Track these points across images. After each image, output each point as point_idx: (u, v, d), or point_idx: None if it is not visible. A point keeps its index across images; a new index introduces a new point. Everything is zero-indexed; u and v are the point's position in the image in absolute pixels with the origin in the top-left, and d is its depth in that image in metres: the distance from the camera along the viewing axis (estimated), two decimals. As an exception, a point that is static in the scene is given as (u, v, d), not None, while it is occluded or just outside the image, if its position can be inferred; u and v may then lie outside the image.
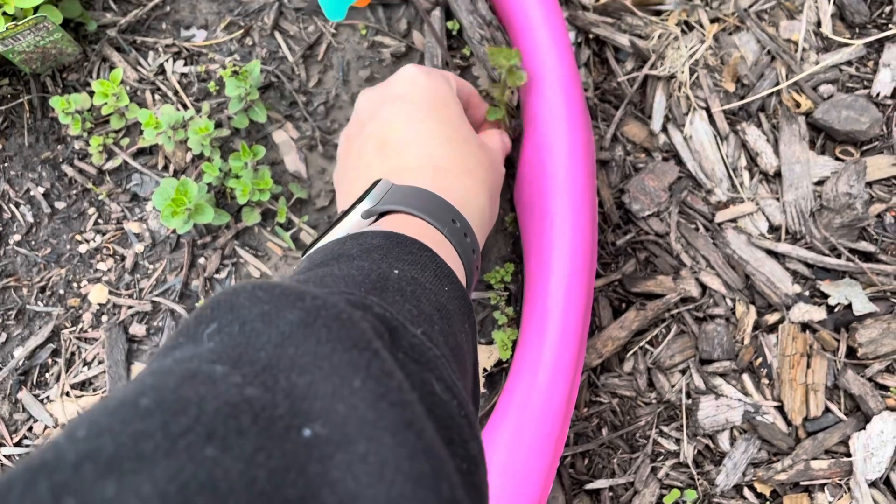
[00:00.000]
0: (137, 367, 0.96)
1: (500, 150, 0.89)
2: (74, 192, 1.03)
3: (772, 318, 1.10)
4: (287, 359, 0.36)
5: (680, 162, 1.15)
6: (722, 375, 1.09)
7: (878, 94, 1.15)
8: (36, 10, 0.96)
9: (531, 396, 0.85)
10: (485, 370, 0.93)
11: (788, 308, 1.09)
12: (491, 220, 0.80)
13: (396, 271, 0.52)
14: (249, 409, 0.32)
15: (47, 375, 0.97)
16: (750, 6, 1.19)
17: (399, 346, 0.42)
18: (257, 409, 0.32)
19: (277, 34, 1.08)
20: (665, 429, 1.07)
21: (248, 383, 0.34)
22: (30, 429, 0.95)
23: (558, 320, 0.87)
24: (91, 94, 1.03)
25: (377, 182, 0.70)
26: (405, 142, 0.75)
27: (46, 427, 0.94)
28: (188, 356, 0.36)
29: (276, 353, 0.36)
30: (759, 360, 1.09)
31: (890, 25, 1.17)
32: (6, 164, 1.04)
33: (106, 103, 1.00)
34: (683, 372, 1.09)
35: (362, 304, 0.43)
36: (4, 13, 0.93)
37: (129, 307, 0.98)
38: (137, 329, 0.98)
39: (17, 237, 1.02)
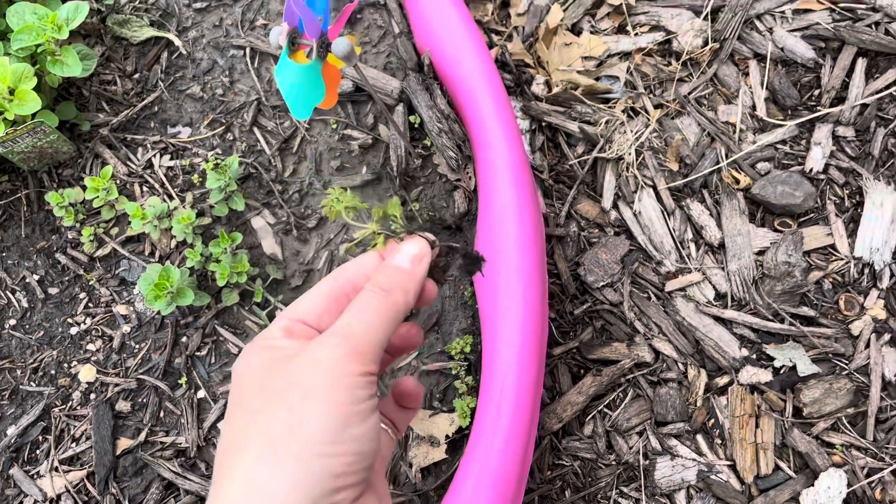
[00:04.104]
0: (123, 443, 1.02)
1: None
2: (67, 278, 1.12)
3: (722, 381, 1.17)
4: None
5: (631, 236, 1.24)
6: (676, 437, 1.15)
7: (811, 170, 1.25)
8: (34, 115, 1.06)
9: (488, 460, 0.91)
10: (447, 437, 1.00)
11: (737, 371, 1.16)
12: None
13: None
14: None
15: (38, 452, 1.03)
16: (689, 93, 1.30)
17: None
18: None
19: (256, 129, 1.18)
20: (625, 489, 1.12)
21: None
22: (20, 503, 1.00)
23: (511, 388, 0.94)
24: (84, 188, 1.13)
25: None
26: None
27: (36, 501, 1.00)
28: None
29: None
30: (712, 420, 1.15)
31: (819, 107, 1.27)
32: (4, 254, 1.13)
33: (97, 197, 1.09)
34: (640, 434, 1.15)
35: None
36: (5, 119, 1.03)
37: (116, 385, 1.05)
38: (123, 405, 1.04)
39: (13, 321, 1.10)
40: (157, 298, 0.99)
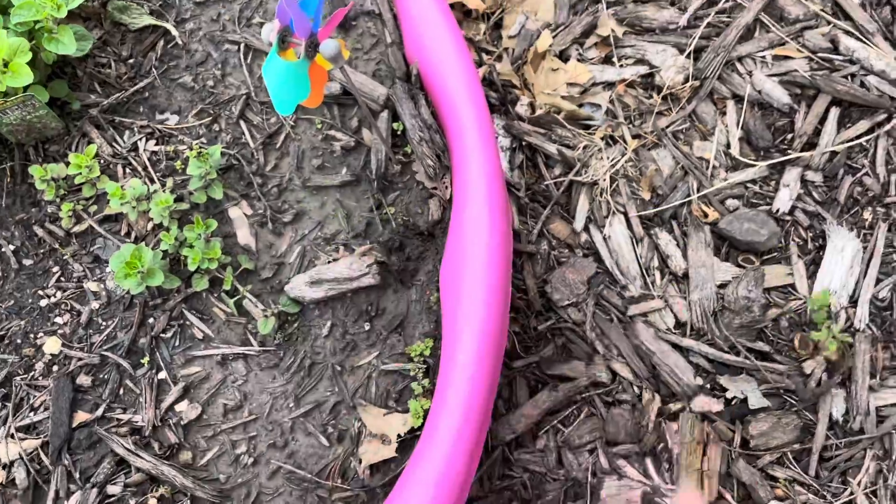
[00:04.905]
0: (80, 416, 1.04)
1: None
2: (42, 251, 1.14)
3: (674, 407, 1.19)
4: None
5: (599, 259, 1.28)
6: (626, 457, 1.17)
7: (777, 211, 1.28)
8: (26, 88, 1.09)
9: (434, 462, 0.93)
10: (399, 436, 1.02)
11: (690, 398, 1.19)
12: None
13: None
14: None
15: (-7, 418, 1.04)
16: (667, 126, 1.34)
17: None
18: None
19: (242, 123, 1.21)
20: (571, 505, 1.14)
21: None
22: (-29, 467, 1.02)
23: (463, 393, 0.96)
24: (68, 164, 1.15)
25: None
26: None
27: (-13, 466, 1.01)
28: None
29: None
30: (661, 444, 1.18)
31: (790, 151, 1.32)
32: (-18, 222, 1.15)
33: (79, 174, 1.11)
34: (591, 452, 1.17)
35: None
36: (-3, 91, 1.06)
37: (79, 359, 1.07)
38: (84, 380, 1.06)
39: (-16, 289, 1.11)
40: (127, 277, 1.01)
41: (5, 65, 1.05)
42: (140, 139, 1.20)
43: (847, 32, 1.35)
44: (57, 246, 1.14)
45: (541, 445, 1.18)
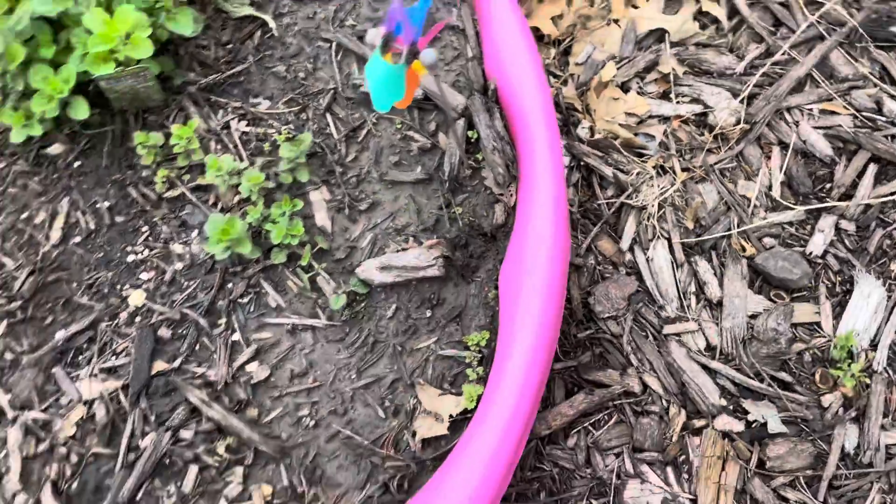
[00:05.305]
0: (159, 365, 1.12)
1: None
2: (134, 211, 1.23)
3: (698, 423, 1.28)
4: None
5: (640, 278, 1.37)
6: (649, 464, 1.25)
7: (811, 253, 1.38)
8: (138, 61, 1.19)
9: (486, 443, 1.02)
10: (451, 416, 1.10)
11: (713, 417, 1.28)
12: None
13: None
14: None
15: (80, 358, 1.13)
16: (715, 163, 1.44)
17: None
18: None
19: (328, 115, 1.31)
20: (594, 502, 1.23)
21: None
22: (56, 400, 1.10)
23: (517, 386, 1.05)
24: (167, 135, 1.24)
25: None
26: None
27: (71, 399, 1.09)
28: None
29: None
30: (683, 456, 1.26)
31: (827, 199, 1.41)
32: (81, 178, 1.24)
33: (178, 144, 1.21)
34: (617, 455, 1.26)
35: None
36: (115, 59, 1.15)
37: (161, 313, 1.16)
38: (164, 332, 1.15)
39: (78, 239, 1.20)
40: (218, 242, 1.11)
41: (127, 37, 1.15)
42: (233, 119, 1.29)
43: (892, 96, 1.45)
44: (148, 207, 1.23)
45: (571, 444, 1.26)
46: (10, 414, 1.08)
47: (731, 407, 1.29)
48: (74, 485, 1.05)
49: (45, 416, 1.08)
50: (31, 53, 1.14)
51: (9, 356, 1.12)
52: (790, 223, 1.41)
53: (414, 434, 1.10)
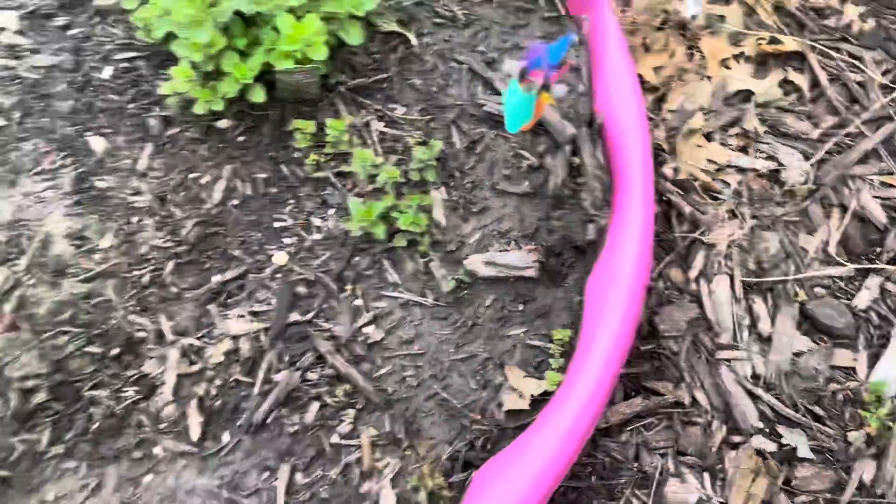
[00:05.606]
0: (294, 316, 1.34)
1: None
2: (284, 185, 1.45)
3: (736, 439, 1.46)
4: None
5: (701, 307, 1.55)
6: (690, 467, 1.44)
7: (855, 306, 1.55)
8: (312, 60, 1.41)
9: (563, 421, 1.21)
10: (532, 396, 1.30)
11: (751, 435, 1.46)
12: None
13: None
14: None
15: (230, 301, 1.35)
16: (781, 216, 1.62)
17: None
18: None
19: (454, 127, 1.52)
20: (638, 492, 1.41)
21: None
22: (209, 332, 1.32)
23: (594, 379, 1.24)
24: (318, 124, 1.46)
25: None
26: None
27: (221, 333, 1.31)
28: None
29: None
30: (720, 465, 1.45)
31: (877, 262, 1.59)
32: (243, 151, 1.47)
33: (330, 134, 1.43)
34: (663, 455, 1.44)
35: None
36: (294, 57, 1.38)
37: (300, 274, 1.37)
38: (301, 290, 1.36)
39: (236, 202, 1.43)
40: (359, 220, 1.32)
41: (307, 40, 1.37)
42: (373, 119, 1.51)
43: (948, 179, 1.62)
44: (296, 184, 1.45)
45: (624, 439, 1.45)
46: (170, 338, 1.30)
47: (767, 430, 1.47)
48: (217, 403, 1.27)
49: (199, 344, 1.30)
50: (227, 42, 1.37)
51: (174, 290, 1.34)
52: (840, 277, 1.59)
53: (500, 405, 1.30)
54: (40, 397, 1.23)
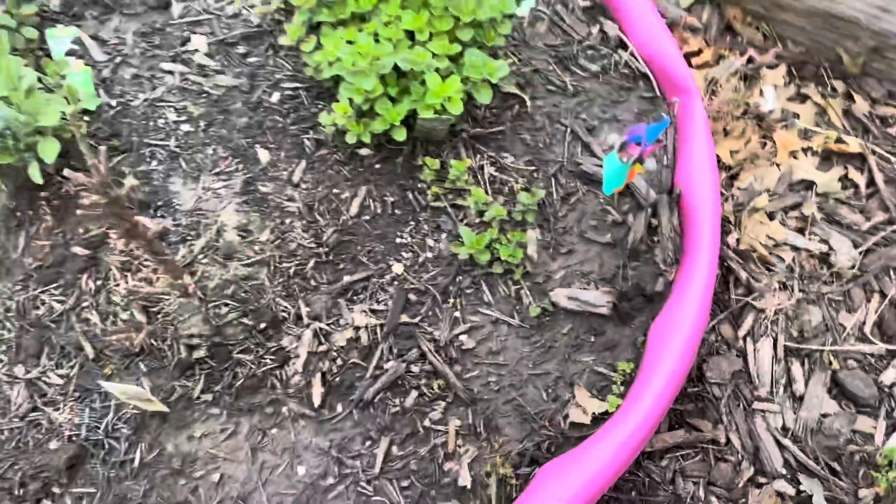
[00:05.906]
0: (405, 318, 1.62)
1: None
2: (407, 209, 1.75)
3: (761, 479, 1.69)
4: None
5: (745, 361, 1.79)
6: (717, 497, 1.67)
7: (881, 382, 1.77)
8: (448, 112, 1.70)
9: (619, 436, 1.47)
10: (594, 413, 1.56)
11: (774, 478, 1.69)
12: None
13: None
14: None
15: (355, 298, 1.64)
16: (826, 293, 1.85)
17: None
18: None
19: (553, 179, 1.80)
20: (670, 510, 1.65)
21: None
22: (337, 320, 1.61)
23: (649, 406, 1.49)
24: (442, 162, 1.76)
25: None
26: None
27: (346, 322, 1.61)
28: None
29: None
30: (744, 500, 1.68)
31: (907, 346, 1.80)
32: (378, 176, 1.77)
33: (452, 172, 1.72)
34: (695, 483, 1.68)
35: None
36: (434, 108, 1.68)
37: (412, 284, 1.66)
38: (412, 296, 1.65)
39: (367, 217, 1.73)
40: (470, 247, 1.61)
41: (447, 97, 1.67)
42: (485, 163, 1.80)
43: (980, 282, 1.83)
44: (418, 209, 1.74)
45: (664, 464, 1.69)
46: (306, 321, 1.60)
47: (789, 476, 1.69)
48: (336, 379, 1.56)
49: (328, 329, 1.60)
50: (383, 89, 1.68)
51: (313, 282, 1.64)
52: (872, 354, 1.81)
53: (566, 417, 1.56)
54: (200, 353, 1.54)
